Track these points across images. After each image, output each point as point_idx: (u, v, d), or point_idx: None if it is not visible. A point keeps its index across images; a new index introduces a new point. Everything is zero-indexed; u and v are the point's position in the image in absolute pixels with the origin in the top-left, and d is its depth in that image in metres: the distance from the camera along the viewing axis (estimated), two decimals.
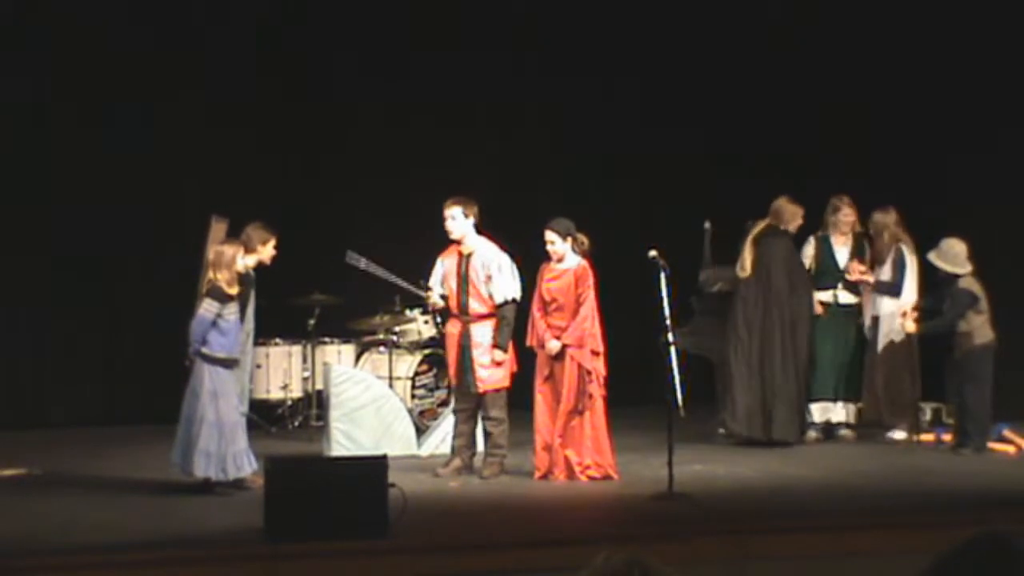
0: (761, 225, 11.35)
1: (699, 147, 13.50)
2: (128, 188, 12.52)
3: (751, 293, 11.25)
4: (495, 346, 9.93)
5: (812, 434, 11.46)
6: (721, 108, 13.42)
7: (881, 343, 11.33)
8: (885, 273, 11.36)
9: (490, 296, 9.94)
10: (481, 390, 9.99)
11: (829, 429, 11.56)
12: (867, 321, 11.55)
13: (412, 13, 13.09)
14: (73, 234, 12.51)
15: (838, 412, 11.59)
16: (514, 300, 9.98)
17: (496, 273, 9.93)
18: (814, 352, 11.39)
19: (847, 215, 11.58)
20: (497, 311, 9.95)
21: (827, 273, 11.64)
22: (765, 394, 11.10)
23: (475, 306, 9.98)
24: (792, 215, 11.33)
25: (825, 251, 11.66)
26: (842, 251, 11.66)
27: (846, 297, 11.66)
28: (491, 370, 9.96)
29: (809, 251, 11.67)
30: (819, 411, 11.54)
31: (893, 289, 11.29)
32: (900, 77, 12.86)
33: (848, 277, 11.51)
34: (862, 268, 11.42)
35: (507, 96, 13.34)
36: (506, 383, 10.02)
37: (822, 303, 11.58)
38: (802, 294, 11.31)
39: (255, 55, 12.91)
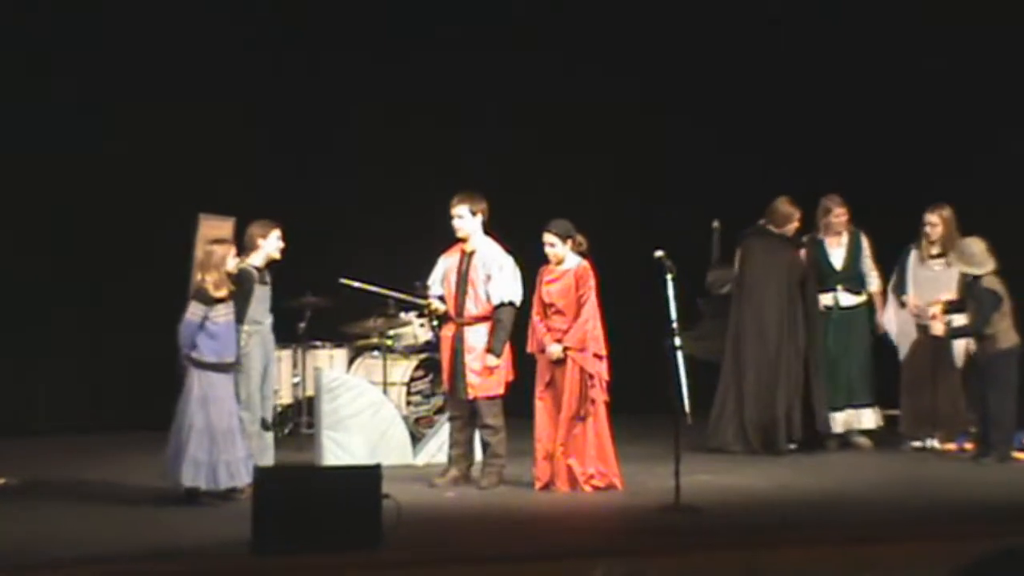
0: (757, 224, 11.51)
1: (709, 142, 13.52)
2: (115, 188, 12.61)
3: (736, 297, 11.43)
4: (488, 351, 9.89)
5: (831, 443, 11.53)
6: (734, 102, 13.48)
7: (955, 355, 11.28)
8: (952, 288, 11.14)
9: (488, 298, 9.91)
10: (471, 396, 9.94)
11: (847, 437, 11.60)
12: (892, 328, 11.55)
13: (411, 11, 13.23)
14: (62, 233, 12.63)
15: (857, 419, 11.62)
16: (512, 303, 9.92)
17: (496, 273, 9.89)
18: (819, 355, 11.42)
19: (839, 215, 11.65)
20: (493, 313, 9.90)
21: (824, 276, 11.69)
22: (747, 403, 11.20)
23: (471, 307, 9.94)
24: (784, 217, 11.38)
25: (819, 254, 11.71)
26: (837, 252, 11.73)
27: (848, 299, 11.71)
28: (483, 376, 9.91)
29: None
30: (840, 421, 11.58)
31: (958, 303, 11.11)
32: (903, 77, 13.03)
33: (912, 311, 11.35)
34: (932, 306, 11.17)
35: (506, 92, 13.39)
36: (500, 390, 9.96)
37: (825, 307, 11.64)
38: (790, 295, 11.33)
39: (249, 51, 13.01)
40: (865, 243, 11.73)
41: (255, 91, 12.98)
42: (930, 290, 11.28)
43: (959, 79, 12.84)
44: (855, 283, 11.72)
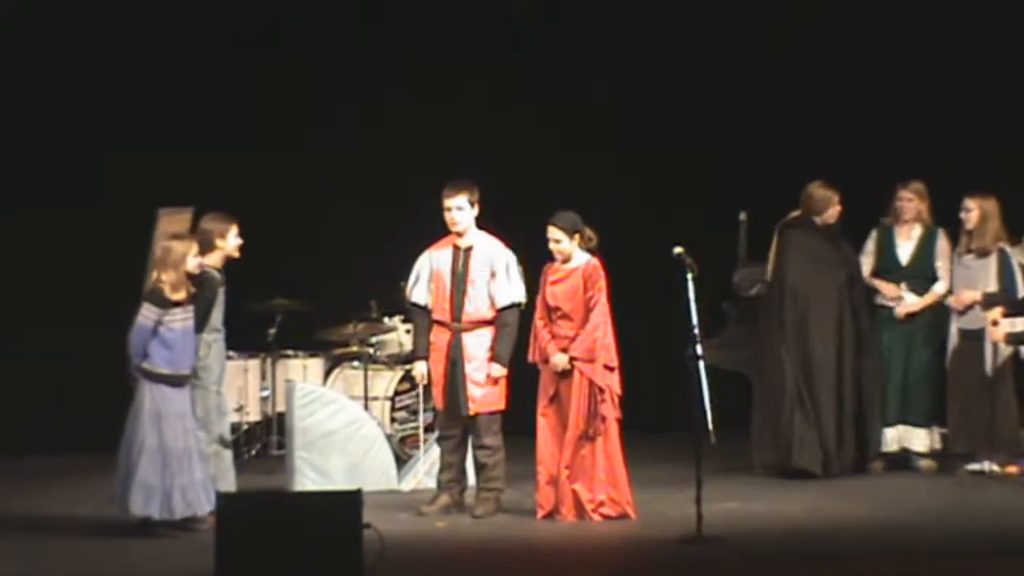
0: (791, 215, 11.49)
1: (731, 127, 13.57)
2: (73, 191, 12.78)
3: (772, 296, 11.42)
4: (492, 359, 9.83)
5: (876, 466, 11.45)
6: (758, 81, 13.56)
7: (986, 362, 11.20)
8: (989, 284, 11.13)
9: (491, 299, 9.83)
10: (472, 412, 9.86)
11: (902, 459, 11.53)
12: (953, 336, 11.41)
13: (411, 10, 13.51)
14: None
15: (916, 439, 11.53)
16: (518, 305, 9.91)
17: (502, 272, 9.88)
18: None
19: (901, 199, 11.57)
20: (498, 317, 9.84)
21: (887, 271, 11.62)
22: (790, 415, 11.12)
23: (472, 310, 9.89)
24: (822, 202, 11.33)
25: (886, 244, 11.65)
26: (905, 245, 11.65)
27: (912, 300, 11.59)
28: (486, 389, 9.86)
29: (870, 245, 11.69)
30: (892, 438, 11.52)
31: (1019, 305, 10.99)
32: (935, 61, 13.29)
33: (955, 306, 11.32)
34: (966, 299, 11.20)
35: (505, 80, 13.53)
36: (501, 404, 9.96)
37: (880, 307, 11.55)
38: (834, 294, 11.27)
39: (247, 50, 13.29)
40: (942, 242, 11.60)
41: (251, 90, 13.20)
42: (964, 288, 11.26)
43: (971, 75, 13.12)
44: (923, 284, 11.60)
